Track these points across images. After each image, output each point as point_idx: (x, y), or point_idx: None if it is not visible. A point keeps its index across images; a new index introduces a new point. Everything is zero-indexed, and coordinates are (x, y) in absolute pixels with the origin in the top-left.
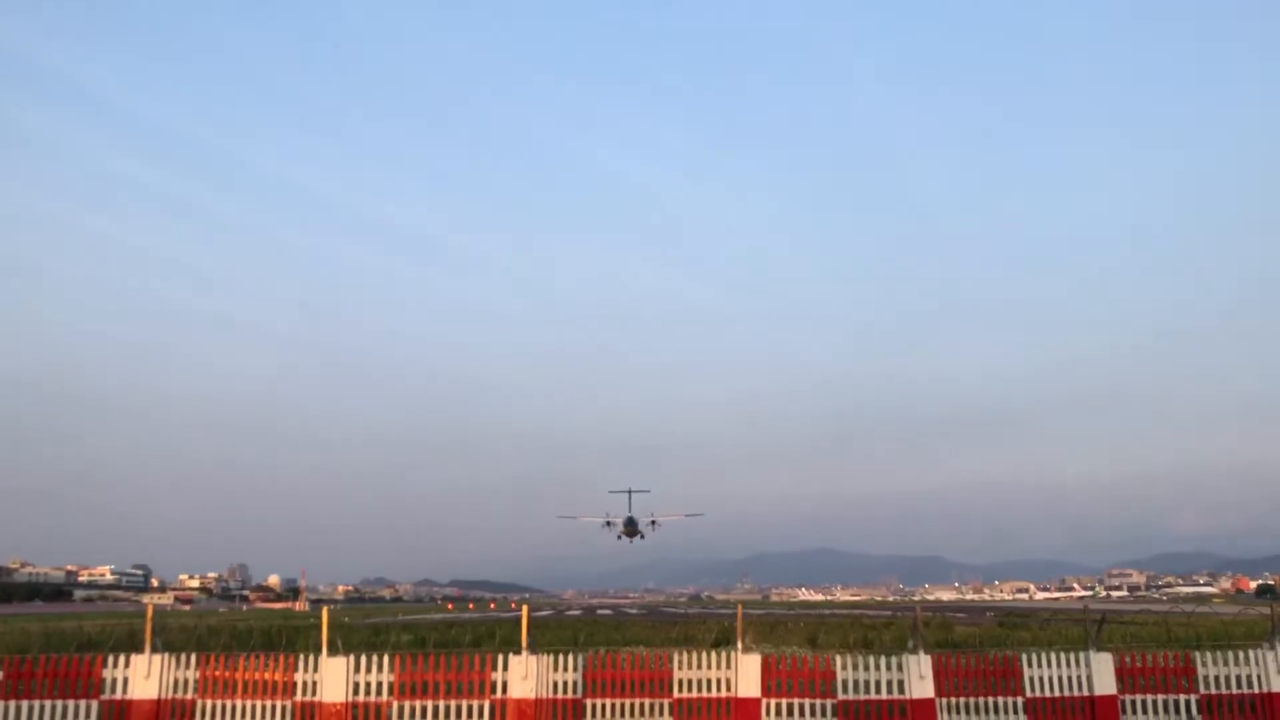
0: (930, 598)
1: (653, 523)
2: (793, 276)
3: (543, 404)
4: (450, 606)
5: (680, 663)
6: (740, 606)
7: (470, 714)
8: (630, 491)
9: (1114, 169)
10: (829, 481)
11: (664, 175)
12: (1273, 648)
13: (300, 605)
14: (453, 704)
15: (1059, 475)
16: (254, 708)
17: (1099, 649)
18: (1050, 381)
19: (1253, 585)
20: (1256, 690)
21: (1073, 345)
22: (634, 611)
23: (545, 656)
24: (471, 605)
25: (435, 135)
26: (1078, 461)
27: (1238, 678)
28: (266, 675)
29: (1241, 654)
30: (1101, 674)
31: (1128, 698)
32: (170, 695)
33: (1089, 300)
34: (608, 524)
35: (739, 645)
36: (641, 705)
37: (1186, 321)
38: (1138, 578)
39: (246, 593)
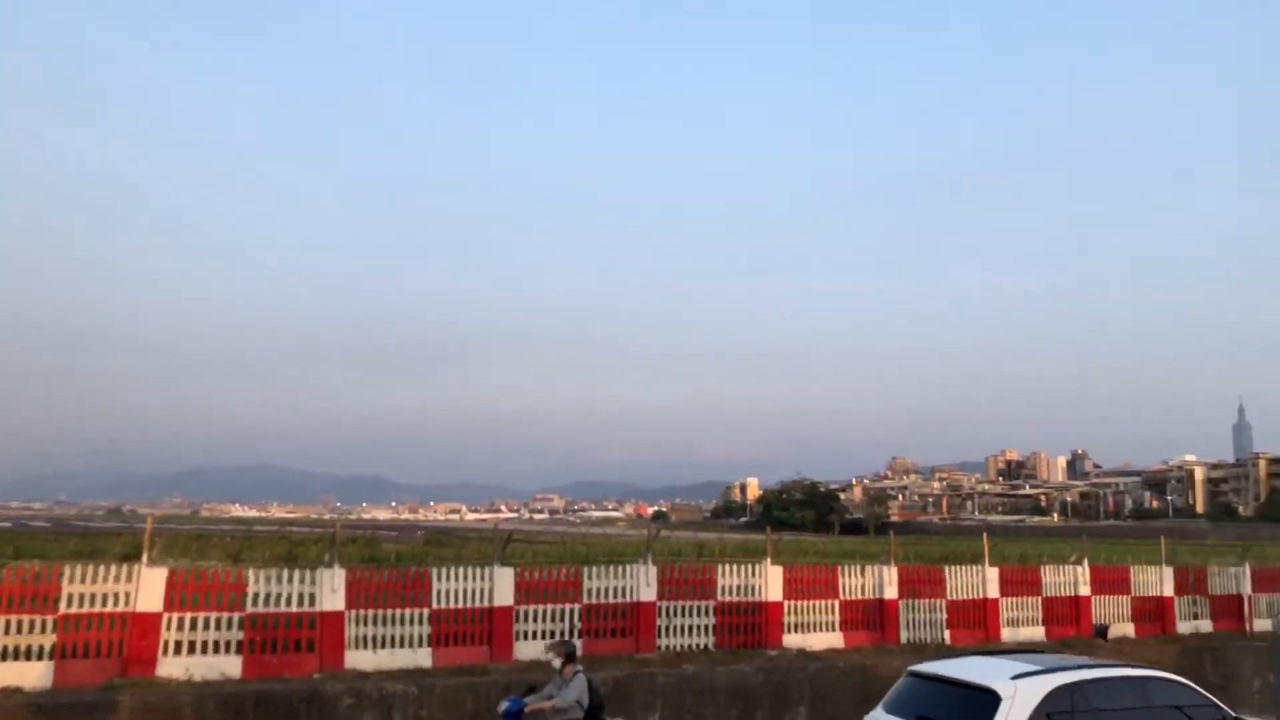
0: (367, 516)
1: None
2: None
3: None
4: None
5: (71, 577)
6: (150, 520)
7: None
8: None
9: None
10: (273, 396)
11: None
12: (645, 563)
13: None
14: None
15: (500, 405)
16: None
17: (503, 564)
18: (499, 316)
19: (649, 510)
20: (628, 600)
21: (536, 283)
22: (40, 524)
23: None
24: None
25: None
26: (519, 393)
27: (615, 589)
28: None
29: (619, 569)
30: (502, 587)
31: (523, 608)
32: None
33: (545, 239)
34: None
35: (144, 559)
36: (21, 622)
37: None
38: (559, 502)
39: None
